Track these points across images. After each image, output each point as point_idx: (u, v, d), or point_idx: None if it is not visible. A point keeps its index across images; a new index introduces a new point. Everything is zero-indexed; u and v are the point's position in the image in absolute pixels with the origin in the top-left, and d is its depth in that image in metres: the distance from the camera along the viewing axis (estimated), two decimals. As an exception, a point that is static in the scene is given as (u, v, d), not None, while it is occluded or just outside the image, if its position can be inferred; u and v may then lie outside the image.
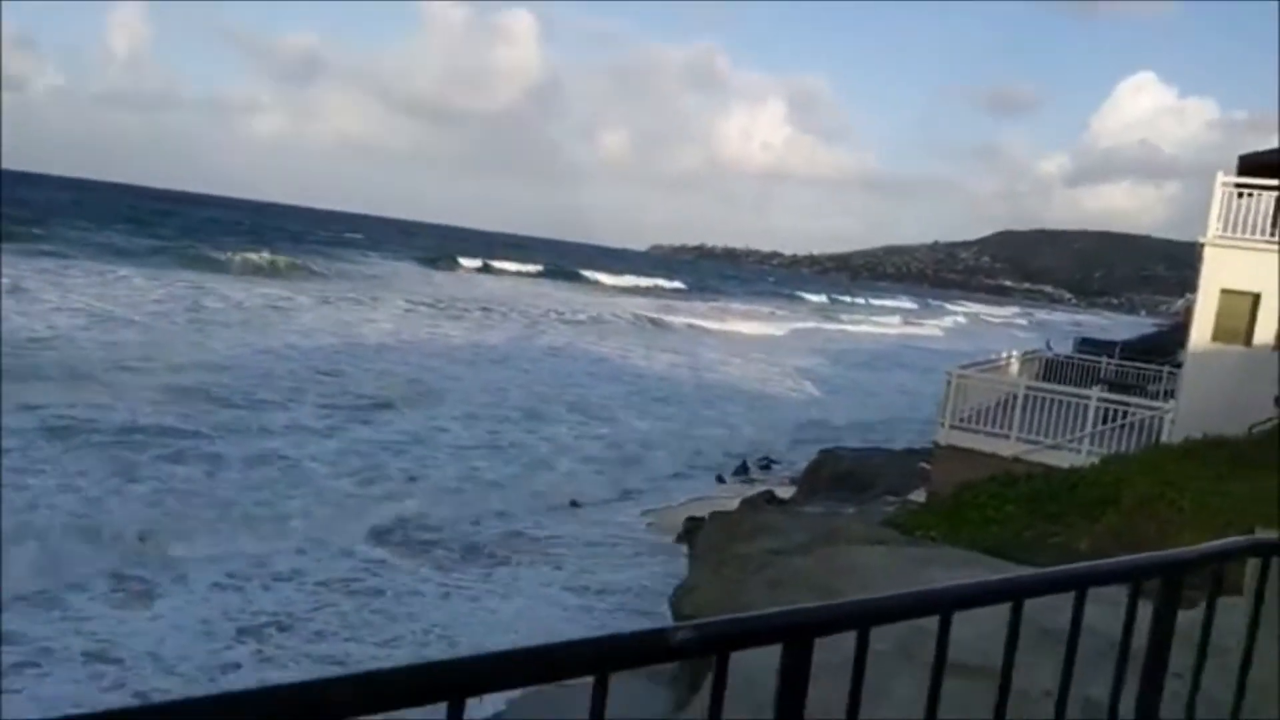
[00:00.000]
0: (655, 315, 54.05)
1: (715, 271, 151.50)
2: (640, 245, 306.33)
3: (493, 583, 11.98)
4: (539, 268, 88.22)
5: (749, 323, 58.90)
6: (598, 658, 1.20)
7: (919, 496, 14.44)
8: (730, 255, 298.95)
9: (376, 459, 16.32)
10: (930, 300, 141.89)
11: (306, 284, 45.76)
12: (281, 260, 53.75)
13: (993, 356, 18.75)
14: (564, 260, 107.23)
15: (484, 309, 44.62)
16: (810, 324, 65.97)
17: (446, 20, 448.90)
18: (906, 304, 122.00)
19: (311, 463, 15.50)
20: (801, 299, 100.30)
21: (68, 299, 28.75)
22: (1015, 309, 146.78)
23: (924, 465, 15.80)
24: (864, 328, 69.68)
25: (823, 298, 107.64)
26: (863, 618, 1.47)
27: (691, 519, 14.72)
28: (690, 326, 52.04)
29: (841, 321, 73.02)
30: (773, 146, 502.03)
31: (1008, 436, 13.70)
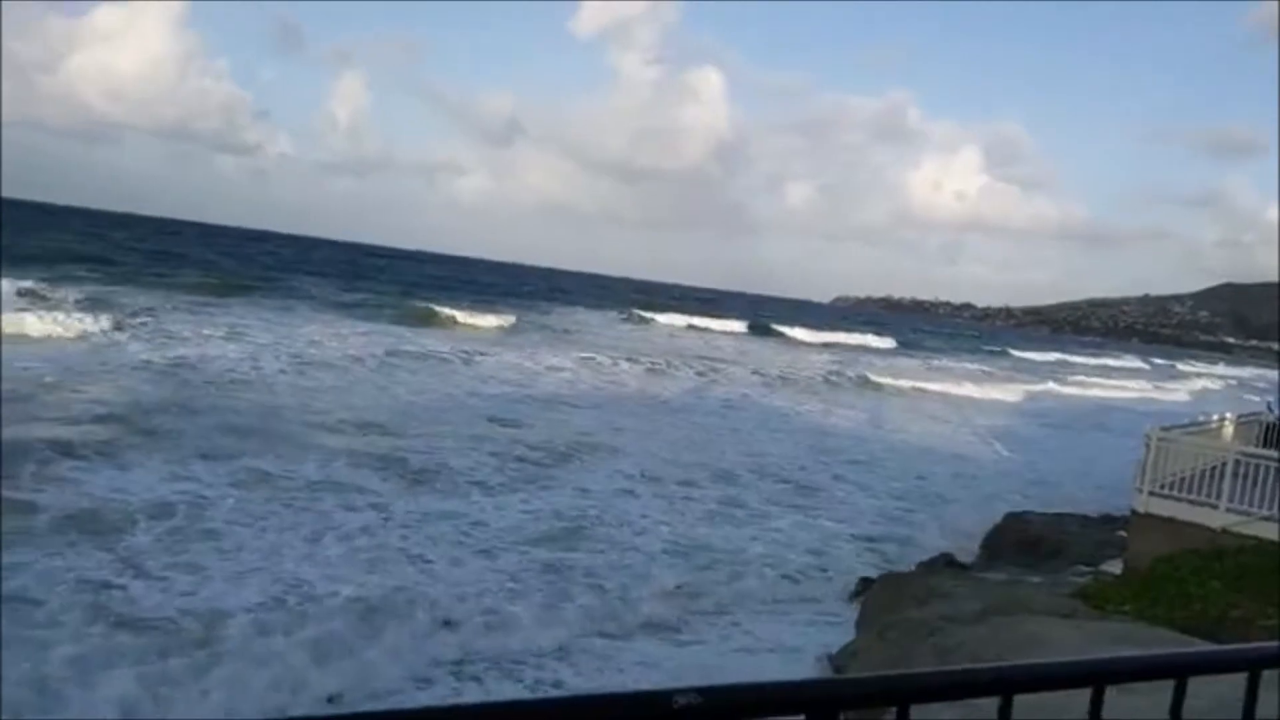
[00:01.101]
0: (878, 379, 49.59)
1: (908, 325, 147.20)
2: (824, 297, 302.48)
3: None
4: (742, 324, 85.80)
5: (974, 385, 54.27)
6: (597, 717, 1.14)
7: (1114, 568, 13.42)
8: (918, 307, 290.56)
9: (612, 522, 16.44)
10: (1155, 359, 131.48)
11: (512, 337, 47.39)
12: (492, 318, 55.02)
13: (1200, 418, 17.29)
14: (758, 314, 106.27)
15: (704, 365, 43.95)
16: (1039, 385, 60.41)
17: (638, 80, 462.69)
18: (1135, 363, 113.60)
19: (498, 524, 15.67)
20: (1014, 356, 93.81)
21: (279, 344, 31.05)
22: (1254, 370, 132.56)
23: (1121, 534, 14.70)
24: (1098, 391, 63.64)
25: (1041, 355, 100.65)
26: (901, 694, 1.31)
27: (864, 579, 14.22)
28: (916, 389, 48.22)
29: (1069, 383, 66.27)
30: (966, 196, 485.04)
31: (1216, 506, 12.53)
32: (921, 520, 19.22)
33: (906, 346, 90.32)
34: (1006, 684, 1.38)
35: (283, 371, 26.68)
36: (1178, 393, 71.64)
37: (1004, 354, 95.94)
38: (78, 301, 34.26)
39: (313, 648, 10.04)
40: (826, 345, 78.65)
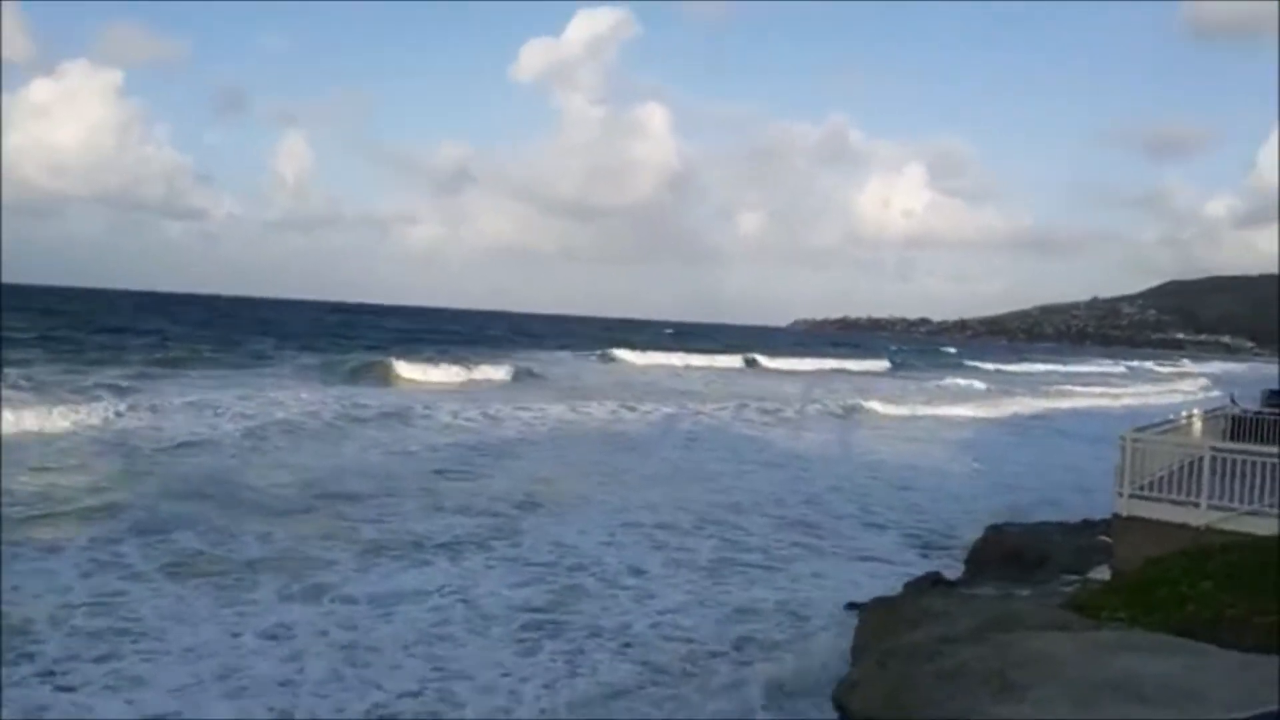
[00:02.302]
0: (887, 409, 47.03)
1: (879, 345, 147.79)
2: (783, 321, 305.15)
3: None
4: (727, 358, 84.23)
5: (988, 405, 52.38)
6: None
7: (1101, 574, 13.35)
8: (875, 325, 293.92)
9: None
10: (1128, 362, 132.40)
11: (492, 390, 46.35)
12: (458, 369, 53.91)
13: (1171, 416, 17.39)
14: (728, 343, 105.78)
15: (685, 400, 42.69)
16: (1044, 400, 58.77)
17: (584, 120, 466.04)
18: (1112, 367, 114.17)
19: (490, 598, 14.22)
20: (994, 370, 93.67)
21: (233, 409, 30.47)
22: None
23: (1103, 538, 14.67)
24: (1105, 400, 62.37)
25: (1016, 367, 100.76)
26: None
27: (851, 604, 14.06)
28: (937, 418, 46.00)
29: (1070, 395, 64.55)
30: (914, 213, 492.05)
31: (1197, 504, 12.52)
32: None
33: (897, 369, 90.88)
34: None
35: (240, 437, 26.21)
36: (1174, 394, 70.75)
37: (987, 370, 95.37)
38: (26, 382, 33.47)
39: None
40: (816, 373, 78.06)
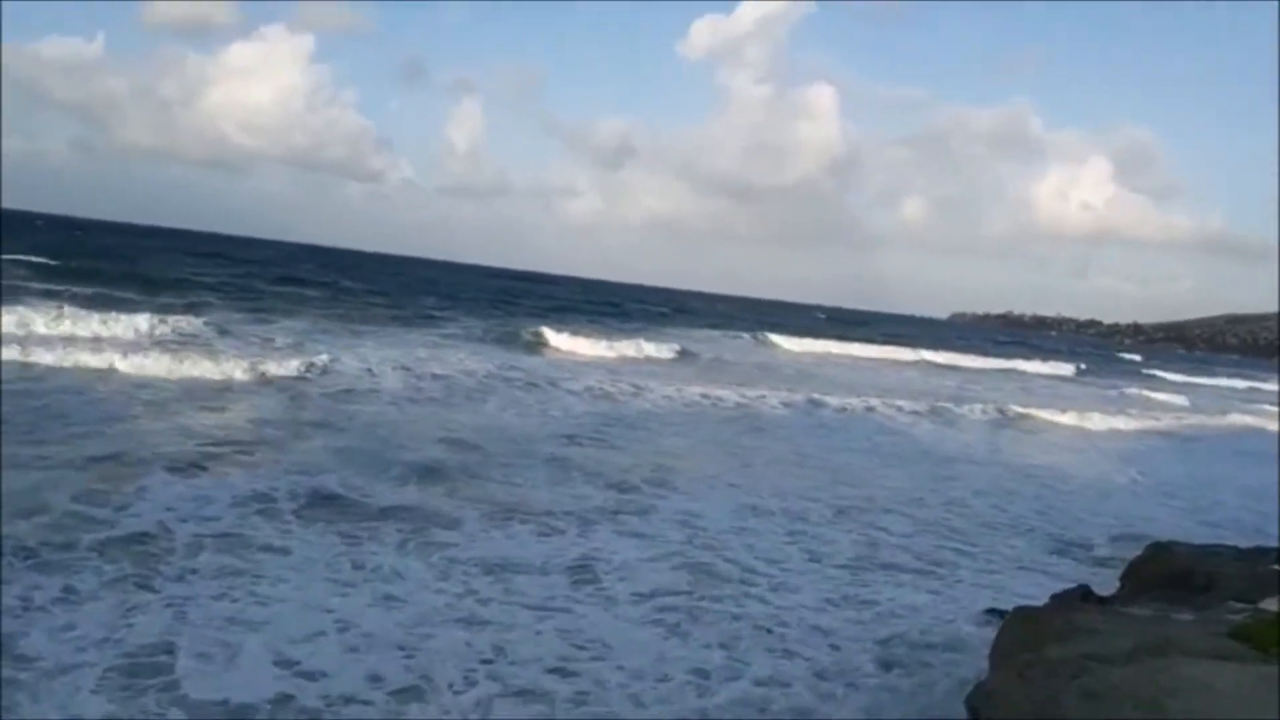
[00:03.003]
0: (1067, 419, 43.27)
1: (1042, 342, 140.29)
2: (941, 313, 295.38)
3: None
4: (896, 350, 78.60)
5: (1149, 419, 47.23)
6: None
7: (1273, 605, 12.37)
8: (1040, 323, 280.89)
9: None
10: None
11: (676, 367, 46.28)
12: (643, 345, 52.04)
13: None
14: (889, 332, 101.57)
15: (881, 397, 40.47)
16: (1227, 419, 53.03)
17: (749, 99, 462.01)
18: None
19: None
20: (1170, 382, 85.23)
21: (393, 362, 31.87)
22: None
23: (1276, 568, 13.60)
24: None
25: (1204, 379, 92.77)
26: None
27: (991, 609, 13.52)
28: (1116, 432, 41.70)
29: (1259, 415, 57.09)
30: (1093, 207, 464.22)
31: (1393, 539, 11.43)
32: None
33: (1082, 374, 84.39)
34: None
35: (401, 388, 27.44)
36: None
37: (1174, 381, 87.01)
38: (207, 325, 35.89)
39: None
40: (985, 372, 72.85)
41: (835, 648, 11.67)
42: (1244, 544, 18.07)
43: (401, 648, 10.02)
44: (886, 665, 11.36)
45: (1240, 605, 13.92)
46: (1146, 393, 67.38)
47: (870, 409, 37.37)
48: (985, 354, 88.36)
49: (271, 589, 11.29)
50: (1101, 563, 17.69)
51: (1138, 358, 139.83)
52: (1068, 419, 42.74)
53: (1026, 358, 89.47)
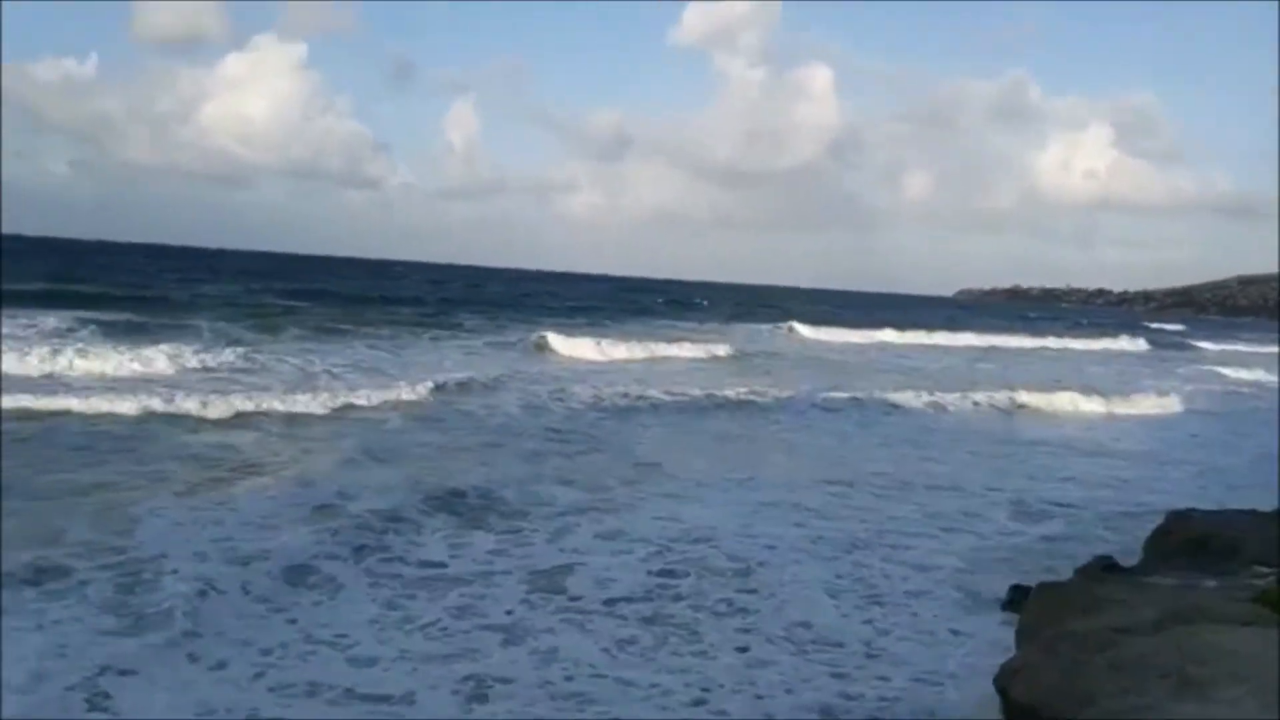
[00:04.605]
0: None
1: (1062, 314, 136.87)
2: (947, 291, 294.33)
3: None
4: (928, 334, 72.95)
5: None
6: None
7: (1298, 568, 12.40)
8: (1049, 295, 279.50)
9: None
10: None
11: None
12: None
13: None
14: (908, 316, 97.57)
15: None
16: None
17: (744, 82, 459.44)
18: None
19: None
20: (1212, 352, 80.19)
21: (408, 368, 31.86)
22: None
23: (1301, 530, 13.60)
24: None
25: (1248, 348, 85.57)
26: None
27: (1015, 587, 13.56)
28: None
29: None
30: (1096, 174, 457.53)
31: None
32: None
33: (1158, 346, 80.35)
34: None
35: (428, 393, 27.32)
36: None
37: (1216, 351, 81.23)
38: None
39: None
40: (1043, 352, 67.15)
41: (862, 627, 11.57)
42: (1263, 507, 18.03)
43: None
44: (896, 662, 11.06)
45: (1265, 569, 13.91)
46: (1222, 369, 59.81)
47: (938, 406, 31.92)
48: (1019, 332, 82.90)
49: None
50: (1121, 532, 17.60)
51: (1178, 326, 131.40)
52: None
53: (1069, 335, 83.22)
